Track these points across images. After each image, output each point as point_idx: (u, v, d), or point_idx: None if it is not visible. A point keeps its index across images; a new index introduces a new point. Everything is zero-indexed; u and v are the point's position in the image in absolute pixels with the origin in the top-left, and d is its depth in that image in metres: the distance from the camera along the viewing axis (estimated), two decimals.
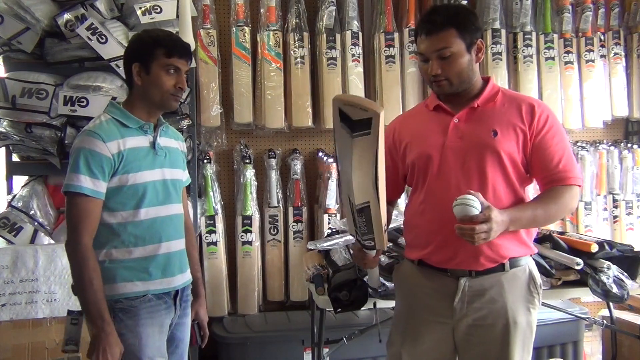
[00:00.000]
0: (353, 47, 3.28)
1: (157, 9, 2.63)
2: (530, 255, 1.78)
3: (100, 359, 1.59)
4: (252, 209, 3.22)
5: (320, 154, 3.35)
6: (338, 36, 3.28)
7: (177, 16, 2.69)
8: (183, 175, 1.91)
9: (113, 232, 1.71)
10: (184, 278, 1.85)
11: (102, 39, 2.58)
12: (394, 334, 1.86)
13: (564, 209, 1.70)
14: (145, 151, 1.77)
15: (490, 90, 1.74)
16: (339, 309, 2.12)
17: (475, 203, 1.51)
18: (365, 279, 2.07)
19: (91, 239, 1.66)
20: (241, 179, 3.24)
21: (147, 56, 1.73)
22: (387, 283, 2.14)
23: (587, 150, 3.54)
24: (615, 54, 3.57)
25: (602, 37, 3.57)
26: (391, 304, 2.07)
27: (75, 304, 2.31)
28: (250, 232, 3.22)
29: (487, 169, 1.66)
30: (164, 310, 1.76)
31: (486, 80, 1.77)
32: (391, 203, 1.90)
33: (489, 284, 1.68)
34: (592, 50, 3.52)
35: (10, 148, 2.63)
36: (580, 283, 2.27)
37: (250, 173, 3.23)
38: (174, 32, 2.73)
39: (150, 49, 1.73)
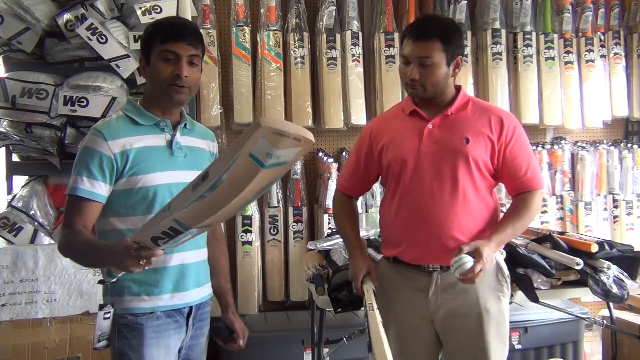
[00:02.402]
0: (353, 47, 3.28)
1: (157, 9, 2.63)
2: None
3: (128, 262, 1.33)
4: (252, 209, 3.22)
5: (320, 154, 3.35)
6: (338, 36, 3.28)
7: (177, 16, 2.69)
8: None
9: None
10: (201, 293, 1.67)
11: (102, 39, 2.58)
12: None
13: (535, 213, 1.90)
14: (160, 151, 1.60)
15: (461, 99, 1.87)
16: (339, 309, 2.12)
17: (467, 258, 1.65)
18: None
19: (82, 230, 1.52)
20: None
21: (147, 46, 1.60)
22: None
23: (587, 150, 3.54)
24: (615, 54, 3.57)
25: (602, 37, 3.57)
26: None
27: (75, 304, 2.33)
28: (250, 232, 3.22)
29: (458, 174, 1.79)
30: (173, 330, 1.60)
31: (458, 89, 1.91)
32: (356, 198, 2.07)
33: None
34: (592, 50, 3.52)
35: (10, 148, 2.63)
36: (580, 283, 2.27)
37: None
38: None
39: (150, 37, 1.60)
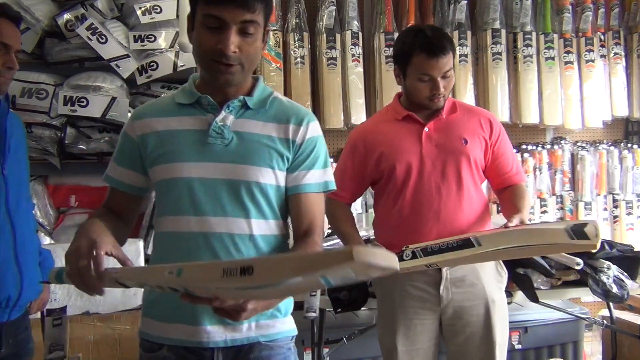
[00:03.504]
0: (353, 47, 3.28)
1: (157, 9, 2.63)
2: None
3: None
4: None
5: None
6: (338, 36, 3.28)
7: (177, 16, 2.69)
8: (263, 175, 1.26)
9: (155, 246, 1.37)
10: (233, 334, 1.26)
11: (102, 39, 2.58)
12: (384, 330, 1.97)
13: (530, 196, 2.08)
14: (194, 136, 1.28)
15: (449, 102, 1.95)
16: (339, 309, 2.13)
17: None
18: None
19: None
20: None
21: (193, 5, 1.27)
22: None
23: (587, 150, 3.54)
24: (615, 54, 3.57)
25: (602, 37, 3.57)
26: None
27: (75, 304, 2.32)
28: None
29: (462, 173, 1.88)
30: None
31: None
32: (350, 204, 2.11)
33: (466, 271, 1.89)
34: (592, 50, 3.51)
35: None
36: (580, 283, 2.27)
37: None
38: (174, 32, 2.73)
39: None
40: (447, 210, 1.87)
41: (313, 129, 1.33)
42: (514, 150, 2.05)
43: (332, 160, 3.18)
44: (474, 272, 1.90)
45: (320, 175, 1.33)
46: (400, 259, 1.68)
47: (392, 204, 1.93)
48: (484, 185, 2.09)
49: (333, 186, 1.35)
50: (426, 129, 1.91)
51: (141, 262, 2.49)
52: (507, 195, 1.97)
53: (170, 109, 1.32)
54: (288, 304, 1.34)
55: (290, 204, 1.32)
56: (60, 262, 2.35)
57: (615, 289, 2.19)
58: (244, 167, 1.26)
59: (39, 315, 1.94)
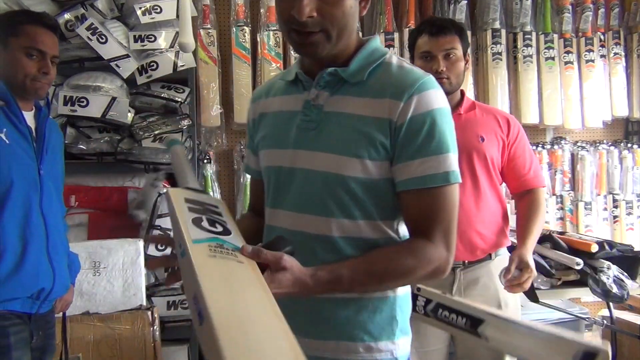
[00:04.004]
0: None
1: (157, 9, 2.63)
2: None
3: None
4: None
5: None
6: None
7: (177, 16, 2.69)
8: (346, 166, 1.04)
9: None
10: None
11: (102, 39, 2.58)
12: None
13: (545, 209, 2.02)
14: (287, 118, 1.12)
15: (467, 100, 1.97)
16: None
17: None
18: None
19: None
20: (241, 179, 3.24)
21: None
22: None
23: (587, 150, 3.54)
24: (615, 54, 3.57)
25: (602, 37, 3.57)
26: None
27: (75, 304, 2.31)
28: None
29: (476, 171, 1.88)
30: None
31: (462, 91, 1.99)
32: None
33: (480, 273, 1.91)
34: (592, 50, 3.51)
35: None
36: (580, 283, 2.27)
37: None
38: (174, 32, 2.73)
39: None
40: (462, 209, 1.78)
41: (422, 102, 1.02)
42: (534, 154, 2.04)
43: None
44: (488, 274, 1.91)
45: (434, 163, 1.02)
46: (414, 307, 1.63)
47: None
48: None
49: (456, 178, 1.04)
50: None
51: (141, 262, 2.49)
52: (521, 210, 1.96)
53: (281, 86, 1.17)
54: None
55: (399, 203, 1.07)
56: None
57: (615, 289, 2.19)
58: (322, 155, 1.05)
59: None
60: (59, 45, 1.80)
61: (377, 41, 1.13)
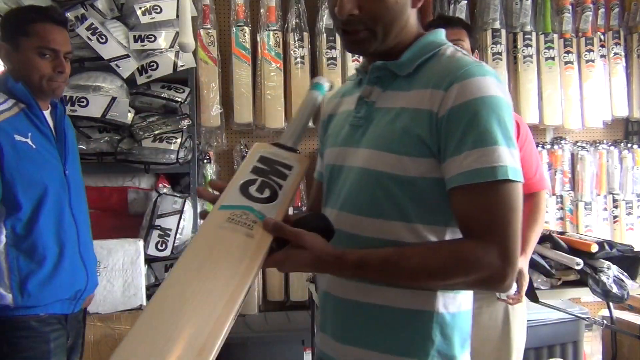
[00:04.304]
0: None
1: (157, 9, 2.63)
2: None
3: None
4: None
5: None
6: (338, 36, 3.28)
7: (177, 16, 2.69)
8: (383, 163, 0.98)
9: None
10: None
11: (102, 39, 2.58)
12: None
13: (545, 213, 2.03)
14: (346, 115, 1.10)
15: None
16: None
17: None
18: None
19: None
20: None
21: None
22: None
23: (587, 150, 3.54)
24: (615, 54, 3.57)
25: (602, 37, 3.57)
26: None
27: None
28: None
29: None
30: None
31: None
32: None
33: None
34: (592, 50, 3.51)
35: None
36: (580, 283, 2.27)
37: None
38: (174, 32, 2.73)
39: None
40: None
41: (465, 90, 0.92)
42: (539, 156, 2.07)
43: None
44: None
45: (478, 157, 0.91)
46: None
47: None
48: None
49: (509, 174, 0.91)
50: None
51: (141, 262, 2.49)
52: (523, 215, 1.97)
53: (350, 86, 1.15)
54: None
55: (451, 206, 0.96)
56: None
57: (615, 289, 2.19)
58: (361, 151, 1.01)
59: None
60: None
61: (438, 34, 1.06)
